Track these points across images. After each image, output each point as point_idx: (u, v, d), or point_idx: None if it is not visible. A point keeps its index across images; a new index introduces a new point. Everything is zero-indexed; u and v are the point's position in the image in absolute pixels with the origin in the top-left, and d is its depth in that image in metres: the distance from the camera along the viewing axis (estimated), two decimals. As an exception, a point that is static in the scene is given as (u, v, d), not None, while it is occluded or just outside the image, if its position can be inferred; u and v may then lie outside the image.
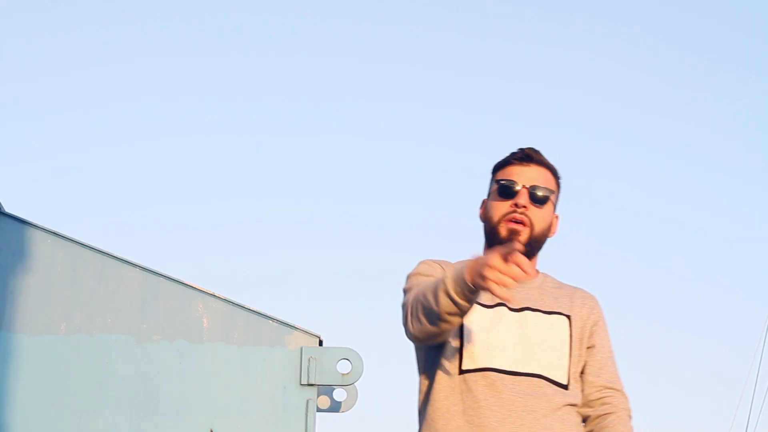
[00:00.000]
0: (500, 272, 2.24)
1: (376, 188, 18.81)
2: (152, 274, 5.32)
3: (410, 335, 2.56)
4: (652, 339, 22.12)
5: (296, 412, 5.15)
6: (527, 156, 2.70)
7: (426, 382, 2.64)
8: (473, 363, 2.54)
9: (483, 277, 2.25)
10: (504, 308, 2.60)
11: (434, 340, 2.53)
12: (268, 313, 5.32)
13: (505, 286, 2.24)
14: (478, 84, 19.56)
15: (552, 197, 2.69)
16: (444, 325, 2.42)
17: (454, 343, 2.57)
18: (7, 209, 5.28)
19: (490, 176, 2.77)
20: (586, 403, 2.65)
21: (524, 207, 2.63)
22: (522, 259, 2.25)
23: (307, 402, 5.16)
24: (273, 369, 5.22)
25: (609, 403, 2.64)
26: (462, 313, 2.38)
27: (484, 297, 2.60)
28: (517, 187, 2.65)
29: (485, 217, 2.71)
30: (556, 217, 2.74)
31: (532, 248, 2.66)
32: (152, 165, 16.92)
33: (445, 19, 18.54)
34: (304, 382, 5.18)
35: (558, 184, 2.75)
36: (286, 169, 17.81)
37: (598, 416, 2.62)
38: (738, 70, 23.39)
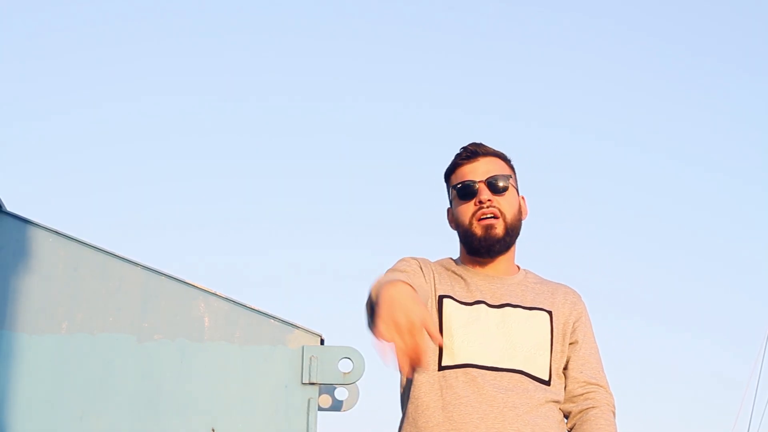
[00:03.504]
0: (406, 348, 2.09)
1: (377, 188, 18.81)
2: (154, 273, 5.32)
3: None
4: (653, 340, 22.12)
5: (297, 411, 5.15)
6: (472, 152, 2.69)
7: (405, 379, 2.62)
8: (452, 359, 2.52)
9: (377, 329, 2.12)
10: (483, 305, 2.60)
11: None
12: (270, 312, 5.32)
13: (383, 356, 2.12)
14: (479, 84, 19.55)
15: (511, 181, 2.68)
16: None
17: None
18: (9, 208, 5.28)
19: (445, 185, 2.77)
20: (569, 399, 2.63)
21: (489, 200, 2.63)
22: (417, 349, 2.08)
23: (309, 401, 5.16)
24: (274, 368, 5.22)
25: (591, 399, 2.61)
26: None
27: (463, 294, 2.61)
28: (475, 185, 2.65)
29: (456, 225, 2.71)
30: (522, 198, 2.74)
31: (510, 237, 2.66)
32: (154, 164, 16.92)
33: (445, 19, 18.54)
34: (306, 381, 5.18)
35: (512, 167, 2.75)
36: (288, 168, 17.81)
37: (580, 411, 2.60)
38: (739, 70, 23.38)
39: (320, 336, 5.32)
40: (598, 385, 2.64)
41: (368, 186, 19.03)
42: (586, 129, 20.53)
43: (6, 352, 5.11)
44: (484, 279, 2.67)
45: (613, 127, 21.17)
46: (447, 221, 2.77)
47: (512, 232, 2.66)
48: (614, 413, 2.62)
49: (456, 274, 2.69)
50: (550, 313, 2.64)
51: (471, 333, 2.54)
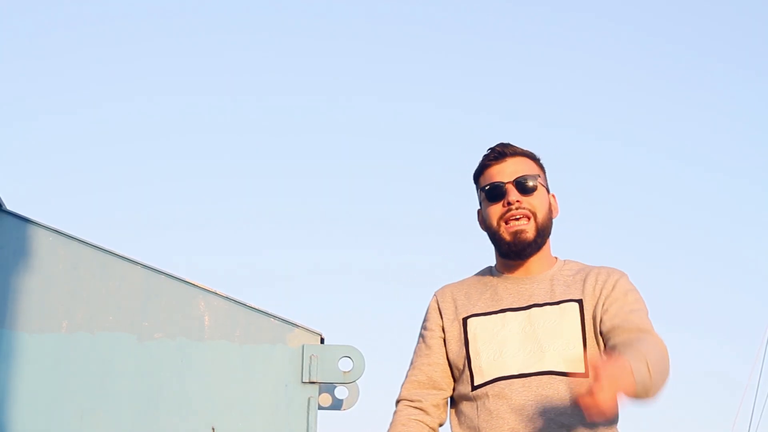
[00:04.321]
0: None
1: (378, 187, 18.80)
2: (154, 271, 5.32)
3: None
4: (653, 338, 22.06)
5: (298, 409, 5.15)
6: (500, 153, 2.65)
7: (453, 410, 2.63)
8: (482, 377, 2.51)
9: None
10: (509, 312, 2.57)
11: None
12: (270, 311, 5.32)
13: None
14: (479, 84, 19.54)
15: (540, 180, 2.65)
16: None
17: (462, 362, 2.56)
18: (9, 207, 5.27)
19: (474, 187, 2.74)
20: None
21: (518, 201, 2.59)
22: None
23: (309, 400, 5.16)
24: (274, 367, 5.22)
25: (632, 340, 2.44)
26: None
27: (488, 304, 2.60)
28: (503, 186, 2.62)
29: (485, 226, 2.68)
30: (553, 196, 2.70)
31: (542, 238, 2.62)
32: (154, 163, 16.92)
33: (445, 18, 18.53)
34: (306, 379, 5.18)
35: (541, 166, 2.70)
36: (288, 168, 17.80)
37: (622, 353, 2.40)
38: (740, 70, 23.37)
39: (320, 335, 5.32)
40: (637, 329, 2.47)
41: (369, 185, 19.04)
42: (587, 129, 20.53)
43: (6, 351, 5.11)
44: (513, 283, 2.64)
45: (614, 127, 21.17)
46: (477, 222, 2.73)
47: (543, 232, 2.62)
48: (666, 349, 2.43)
49: (488, 284, 2.67)
50: (579, 302, 2.55)
51: (496, 345, 2.53)
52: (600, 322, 2.52)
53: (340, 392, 5.49)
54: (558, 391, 2.46)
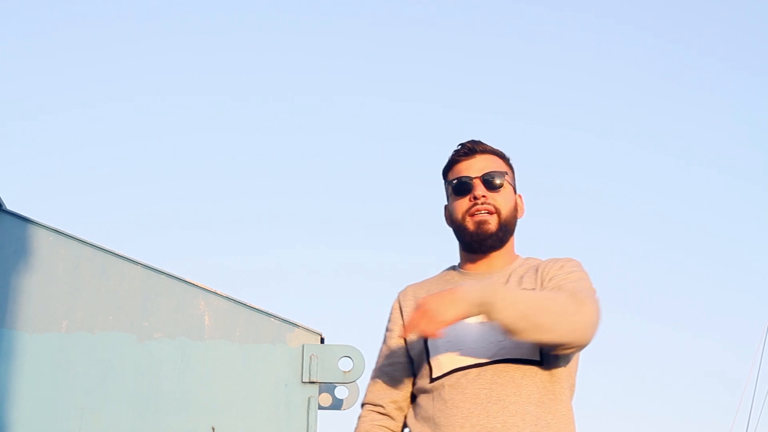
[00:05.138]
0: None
1: (378, 188, 18.81)
2: (154, 271, 5.32)
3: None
4: (653, 339, 22.12)
5: (298, 409, 5.15)
6: (470, 149, 2.68)
7: (411, 405, 2.65)
8: (440, 369, 2.53)
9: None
10: None
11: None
12: (270, 311, 5.32)
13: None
14: (480, 83, 19.54)
15: (507, 179, 2.67)
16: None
17: (422, 355, 2.58)
18: (9, 207, 5.28)
19: (443, 182, 2.75)
20: None
21: (483, 197, 2.62)
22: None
23: (309, 399, 5.16)
24: (275, 366, 5.22)
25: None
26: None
27: None
28: (470, 181, 2.64)
29: (451, 220, 2.70)
30: (519, 197, 2.72)
31: (504, 233, 2.64)
32: (154, 164, 16.92)
33: (447, 19, 18.53)
34: (306, 379, 5.18)
35: (509, 165, 2.73)
36: (288, 168, 17.81)
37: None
38: (740, 69, 23.38)
39: (320, 335, 5.32)
40: (574, 291, 2.46)
41: (369, 186, 19.04)
42: (587, 128, 20.53)
43: (6, 350, 5.11)
44: (473, 278, 2.65)
45: (614, 127, 21.17)
46: (444, 218, 2.76)
47: (506, 228, 2.64)
48: (581, 300, 2.41)
49: (449, 281, 2.69)
50: (533, 291, 2.57)
51: (453, 339, 2.54)
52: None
53: (340, 392, 5.49)
54: (513, 379, 2.48)
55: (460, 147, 2.70)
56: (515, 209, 2.69)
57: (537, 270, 2.62)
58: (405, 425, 2.66)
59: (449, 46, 19.07)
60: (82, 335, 5.19)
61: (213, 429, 5.13)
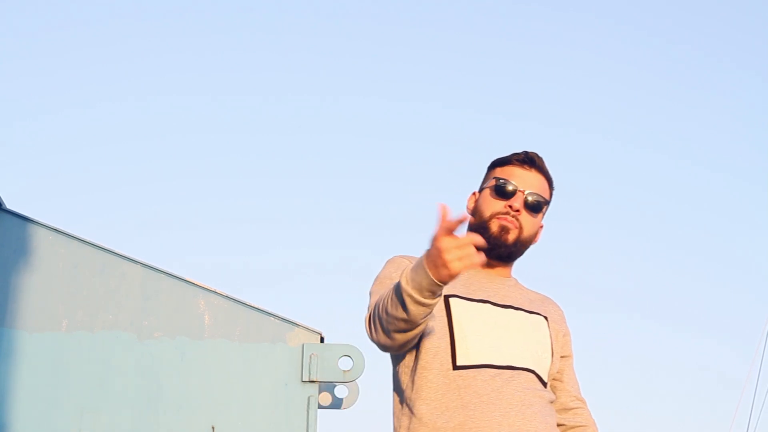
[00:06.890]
0: (457, 249, 2.15)
1: (378, 187, 18.81)
2: (154, 270, 5.32)
3: (380, 347, 2.50)
4: (653, 338, 22.11)
5: (297, 408, 5.15)
6: (530, 160, 2.67)
7: (410, 380, 2.55)
8: (468, 359, 2.50)
9: (446, 266, 2.15)
10: (489, 304, 2.59)
11: (407, 347, 2.50)
12: (270, 310, 5.32)
13: (470, 259, 2.15)
14: (480, 83, 19.54)
15: (545, 208, 2.69)
16: (419, 329, 2.38)
17: (444, 338, 2.52)
18: (9, 206, 5.27)
19: (486, 170, 2.74)
20: (562, 410, 2.69)
21: (517, 211, 2.61)
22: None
23: (309, 399, 5.16)
24: (274, 366, 5.22)
25: (581, 416, 2.71)
26: (430, 312, 2.33)
27: (466, 290, 2.60)
28: (516, 190, 2.64)
29: (475, 211, 2.69)
30: (541, 226, 2.73)
31: (516, 250, 2.65)
32: (154, 163, 16.93)
33: (446, 19, 18.53)
34: (306, 378, 5.18)
35: (551, 195, 2.74)
36: (288, 167, 17.81)
37: (573, 427, 2.69)
38: (741, 70, 23.38)
39: (320, 334, 5.32)
40: (584, 401, 2.74)
41: (369, 185, 19.04)
42: (586, 128, 20.54)
43: (6, 350, 5.11)
44: (486, 277, 2.66)
45: (614, 126, 21.18)
46: (465, 204, 2.73)
47: (520, 247, 2.65)
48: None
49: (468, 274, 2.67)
50: (546, 318, 2.66)
51: (483, 332, 2.53)
52: (561, 359, 2.72)
53: (340, 391, 5.49)
54: (536, 390, 2.54)
55: (522, 153, 2.70)
56: (535, 236, 2.70)
57: (544, 303, 2.75)
58: (404, 403, 2.58)
59: (449, 46, 19.07)
60: (81, 334, 5.19)
61: (213, 428, 5.13)
